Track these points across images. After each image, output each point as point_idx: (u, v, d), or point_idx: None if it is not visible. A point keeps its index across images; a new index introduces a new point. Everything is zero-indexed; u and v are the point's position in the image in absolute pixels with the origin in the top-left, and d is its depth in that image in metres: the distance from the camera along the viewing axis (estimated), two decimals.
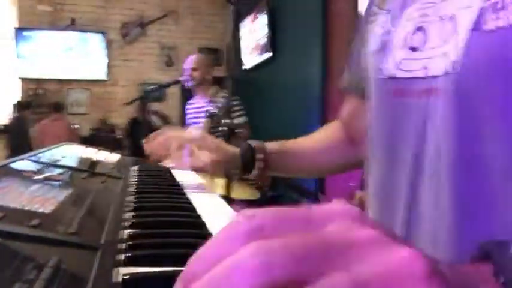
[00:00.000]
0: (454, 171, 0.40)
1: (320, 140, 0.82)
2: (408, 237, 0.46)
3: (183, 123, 6.20)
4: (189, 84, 2.87)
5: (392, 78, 0.49)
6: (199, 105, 2.85)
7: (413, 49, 0.46)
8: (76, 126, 5.62)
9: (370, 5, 0.60)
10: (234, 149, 0.80)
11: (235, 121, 2.62)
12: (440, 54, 0.42)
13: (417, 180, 0.45)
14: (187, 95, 6.21)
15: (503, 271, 0.20)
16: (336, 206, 0.19)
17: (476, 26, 0.38)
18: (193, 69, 2.81)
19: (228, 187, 1.45)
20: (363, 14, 0.63)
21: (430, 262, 0.16)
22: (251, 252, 0.15)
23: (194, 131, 0.89)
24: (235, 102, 2.73)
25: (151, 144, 0.84)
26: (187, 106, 3.00)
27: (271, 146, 0.79)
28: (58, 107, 5.27)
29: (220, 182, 1.52)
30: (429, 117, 0.43)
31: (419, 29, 0.46)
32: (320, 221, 0.18)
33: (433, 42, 0.44)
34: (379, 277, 0.15)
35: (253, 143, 0.78)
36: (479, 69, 0.38)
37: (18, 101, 5.59)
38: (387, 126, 0.51)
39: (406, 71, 0.47)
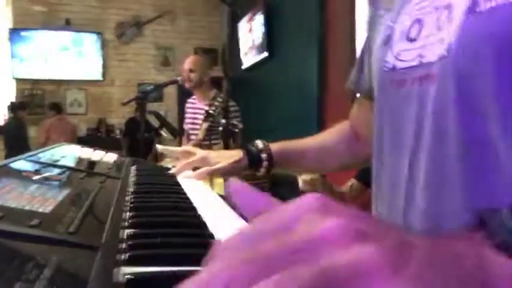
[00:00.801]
0: (453, 150, 0.41)
1: (325, 138, 0.85)
2: (408, 216, 0.47)
3: (180, 123, 6.21)
4: (187, 86, 2.85)
5: (393, 69, 0.51)
6: (199, 106, 2.83)
7: (410, 40, 0.48)
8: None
9: (376, 8, 0.62)
10: (237, 153, 0.84)
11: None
12: (436, 41, 0.43)
13: (416, 161, 0.46)
14: (184, 95, 6.23)
15: (494, 235, 0.20)
16: (304, 200, 0.19)
17: (470, 9, 0.39)
18: (190, 71, 2.78)
19: None
20: (369, 18, 0.65)
21: (394, 257, 0.16)
22: (215, 271, 0.16)
23: (191, 148, 0.93)
24: (232, 109, 2.62)
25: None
26: (187, 104, 2.97)
27: (276, 144, 0.83)
28: (59, 108, 5.34)
29: (219, 182, 1.53)
30: (426, 102, 0.44)
31: (417, 21, 0.48)
32: (291, 220, 0.19)
33: (428, 31, 0.45)
34: (338, 273, 0.15)
35: (258, 143, 0.82)
36: (473, 49, 0.38)
37: (11, 102, 5.57)
38: (390, 117, 0.53)
39: (403, 61, 0.49)
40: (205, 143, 2.48)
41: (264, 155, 0.80)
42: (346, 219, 0.18)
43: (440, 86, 0.42)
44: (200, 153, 0.91)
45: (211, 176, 0.85)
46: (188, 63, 2.83)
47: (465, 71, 0.39)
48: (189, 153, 0.93)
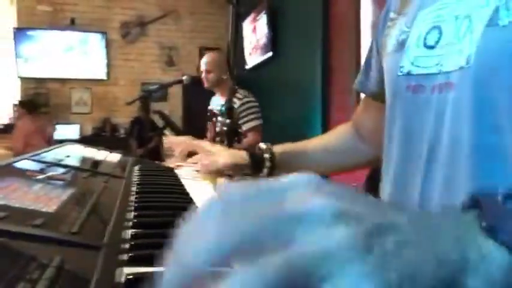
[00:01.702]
0: (470, 160, 0.41)
1: (328, 140, 0.85)
2: None
3: (185, 122, 6.21)
4: (205, 87, 2.78)
5: (409, 75, 0.51)
6: (220, 103, 2.78)
7: (429, 47, 0.48)
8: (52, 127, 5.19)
9: (387, 11, 0.62)
10: (241, 152, 0.85)
11: (245, 126, 2.56)
12: (456, 51, 0.44)
13: (431, 170, 0.47)
14: (189, 94, 6.24)
15: (486, 217, 0.21)
16: (298, 176, 0.20)
17: (491, 23, 0.40)
18: (207, 72, 2.69)
19: None
20: (380, 19, 0.65)
21: (367, 243, 0.17)
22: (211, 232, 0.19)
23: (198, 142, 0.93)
24: (247, 105, 2.60)
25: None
26: (211, 101, 2.88)
27: (279, 146, 0.84)
28: (33, 105, 4.75)
29: (222, 182, 1.53)
30: (444, 110, 0.45)
31: (434, 28, 0.48)
32: (282, 191, 0.19)
33: (447, 39, 0.46)
34: (314, 255, 0.17)
35: (261, 144, 0.83)
36: (493, 62, 0.39)
37: (27, 100, 5.47)
38: (403, 121, 0.53)
39: (421, 67, 0.49)
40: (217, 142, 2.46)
41: (266, 155, 0.81)
42: (332, 199, 0.19)
43: (458, 94, 0.43)
44: (205, 146, 0.90)
45: (213, 173, 0.85)
46: (204, 63, 2.72)
47: (483, 81, 0.40)
48: (192, 151, 0.92)
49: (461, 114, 0.42)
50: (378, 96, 0.66)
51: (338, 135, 0.85)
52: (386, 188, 0.58)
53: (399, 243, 0.18)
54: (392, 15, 0.60)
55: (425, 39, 0.49)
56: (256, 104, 2.67)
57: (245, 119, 2.58)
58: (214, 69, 2.70)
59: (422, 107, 0.48)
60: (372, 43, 0.69)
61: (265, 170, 0.81)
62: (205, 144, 0.90)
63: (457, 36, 0.44)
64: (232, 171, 0.85)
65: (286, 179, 0.20)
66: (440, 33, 0.47)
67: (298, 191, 0.19)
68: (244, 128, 2.58)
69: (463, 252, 0.19)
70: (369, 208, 0.19)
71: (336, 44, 3.40)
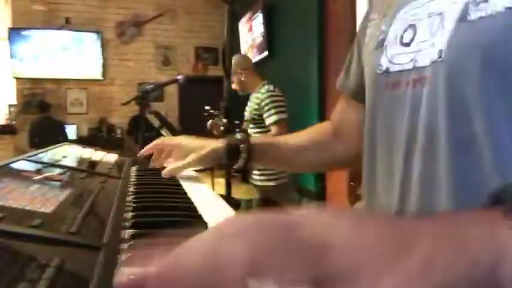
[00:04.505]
0: (446, 150, 0.43)
1: (305, 137, 0.86)
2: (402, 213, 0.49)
3: (181, 122, 6.20)
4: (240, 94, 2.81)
5: (387, 72, 0.53)
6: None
7: (405, 45, 0.50)
8: None
9: (368, 13, 0.65)
10: (216, 143, 0.85)
11: (268, 120, 2.57)
12: (428, 46, 0.46)
13: (410, 164, 0.48)
14: (185, 94, 6.23)
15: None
16: (310, 210, 0.20)
17: (461, 18, 0.42)
18: (233, 82, 2.72)
19: (229, 187, 1.48)
20: (361, 22, 0.67)
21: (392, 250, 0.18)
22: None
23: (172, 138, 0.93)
24: (270, 99, 2.60)
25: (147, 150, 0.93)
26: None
27: (256, 138, 0.85)
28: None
29: (221, 182, 1.53)
30: (419, 103, 0.46)
31: (410, 26, 0.50)
32: (297, 225, 0.19)
33: (421, 36, 0.48)
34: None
35: (238, 135, 0.84)
36: (464, 56, 0.41)
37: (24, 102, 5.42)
38: (383, 118, 0.54)
39: (397, 64, 0.51)
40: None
41: (242, 146, 0.81)
42: (349, 227, 0.19)
43: (431, 88, 0.44)
44: (174, 141, 0.90)
45: (212, 176, 0.85)
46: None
47: (455, 74, 0.42)
48: (161, 149, 0.93)
49: (435, 107, 0.44)
50: (358, 96, 0.67)
51: (316, 133, 0.85)
52: (368, 183, 0.59)
53: (427, 262, 0.18)
54: (373, 16, 0.62)
55: (401, 37, 0.51)
56: (281, 98, 2.66)
57: (267, 113, 2.59)
58: (235, 75, 2.75)
59: (399, 103, 0.50)
60: (353, 44, 0.70)
61: (241, 161, 0.82)
62: (180, 139, 0.89)
63: (430, 32, 0.46)
64: (208, 163, 0.86)
65: (300, 213, 0.20)
66: (415, 30, 0.49)
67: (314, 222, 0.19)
68: (267, 122, 2.59)
69: (498, 247, 0.19)
70: (387, 231, 0.19)
71: (332, 43, 3.41)
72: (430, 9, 0.47)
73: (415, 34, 0.49)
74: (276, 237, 0.18)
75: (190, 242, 0.20)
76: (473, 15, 0.41)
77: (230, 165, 0.84)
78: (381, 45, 0.55)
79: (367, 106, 0.59)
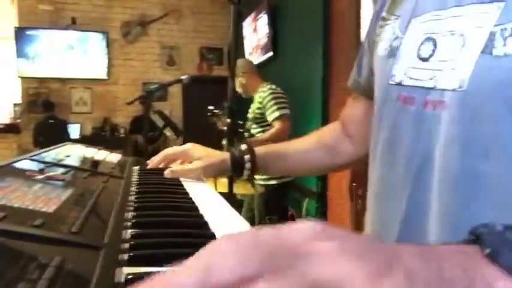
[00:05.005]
0: (457, 186, 0.41)
1: (312, 142, 0.85)
2: (405, 228, 0.48)
3: (184, 122, 6.21)
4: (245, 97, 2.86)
5: (400, 85, 0.50)
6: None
7: (422, 59, 0.48)
8: None
9: (380, 10, 0.61)
10: (221, 154, 0.86)
11: (270, 117, 2.59)
12: (449, 68, 0.44)
13: (420, 184, 0.46)
14: (189, 94, 6.24)
15: (489, 244, 0.21)
16: (303, 224, 0.20)
17: (486, 50, 0.40)
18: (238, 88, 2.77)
19: (231, 184, 1.50)
20: (371, 16, 0.65)
21: (377, 271, 0.17)
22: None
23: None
24: (271, 96, 2.63)
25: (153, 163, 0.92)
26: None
27: (260, 148, 0.85)
28: None
29: (223, 182, 1.54)
30: (438, 129, 0.44)
31: (428, 39, 0.47)
32: (287, 236, 0.19)
33: (442, 54, 0.45)
34: None
35: (242, 146, 0.83)
36: (486, 91, 0.40)
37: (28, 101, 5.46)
38: (390, 130, 0.53)
39: (413, 79, 0.48)
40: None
41: (246, 157, 0.81)
42: (337, 240, 0.19)
43: (451, 116, 0.43)
44: (182, 147, 0.90)
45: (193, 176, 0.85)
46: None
47: (475, 108, 0.40)
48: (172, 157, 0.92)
49: (453, 136, 0.42)
50: (369, 93, 0.66)
51: (324, 136, 0.85)
52: (370, 191, 0.59)
53: (408, 278, 0.18)
54: (384, 14, 0.59)
55: (419, 49, 0.48)
56: (282, 94, 2.70)
57: (270, 109, 2.62)
58: (237, 84, 2.79)
59: (412, 119, 0.48)
60: (364, 41, 0.68)
61: (245, 172, 0.82)
62: (188, 145, 0.89)
63: (451, 54, 0.44)
64: (213, 173, 0.86)
65: (293, 226, 0.20)
66: (435, 46, 0.46)
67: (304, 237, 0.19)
68: (270, 118, 2.61)
69: (470, 281, 0.19)
70: (372, 247, 0.19)
71: (336, 43, 3.40)
72: (452, 26, 0.45)
73: (434, 50, 0.46)
74: (267, 251, 0.18)
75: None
76: (500, 50, 0.39)
77: (235, 177, 0.84)
78: (394, 53, 0.53)
79: (374, 113, 0.58)
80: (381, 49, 0.56)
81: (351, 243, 0.19)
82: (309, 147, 0.84)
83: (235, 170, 0.83)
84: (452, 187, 0.42)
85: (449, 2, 0.46)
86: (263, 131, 2.69)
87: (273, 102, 2.62)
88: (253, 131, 2.76)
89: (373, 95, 0.60)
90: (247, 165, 0.81)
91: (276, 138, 2.52)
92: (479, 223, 0.32)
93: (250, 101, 2.90)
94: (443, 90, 0.44)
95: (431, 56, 0.47)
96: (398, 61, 0.51)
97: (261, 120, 2.70)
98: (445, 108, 0.44)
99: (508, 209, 0.38)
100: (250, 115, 2.81)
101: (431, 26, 0.48)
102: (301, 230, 0.19)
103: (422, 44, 0.48)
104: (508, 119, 0.38)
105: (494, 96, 0.39)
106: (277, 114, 2.59)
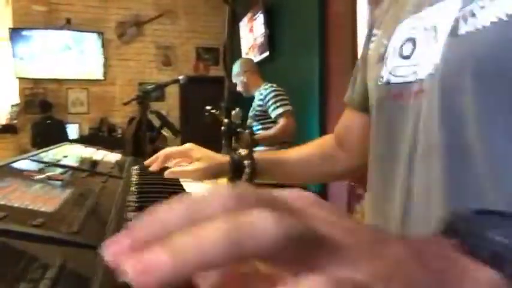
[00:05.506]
0: (442, 159, 0.44)
1: (310, 150, 0.87)
2: (405, 222, 0.50)
3: (182, 122, 6.21)
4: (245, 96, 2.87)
5: (388, 83, 0.54)
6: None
7: (404, 57, 0.52)
8: None
9: (370, 29, 0.66)
10: (221, 157, 0.87)
11: (273, 113, 2.59)
12: (426, 59, 0.48)
13: (411, 170, 0.49)
14: (186, 94, 6.24)
15: (458, 235, 0.22)
16: (295, 192, 0.20)
17: (452, 33, 0.44)
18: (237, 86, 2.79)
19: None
20: (365, 38, 0.69)
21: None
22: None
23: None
24: (272, 93, 2.64)
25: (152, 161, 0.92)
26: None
27: (259, 154, 0.86)
28: None
29: (224, 180, 1.54)
30: (419, 114, 0.48)
31: (409, 40, 0.52)
32: (284, 201, 0.19)
33: (420, 49, 0.50)
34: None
35: (242, 151, 0.84)
36: (454, 67, 0.43)
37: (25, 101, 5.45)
38: (386, 127, 0.56)
39: (398, 76, 0.52)
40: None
41: (246, 162, 0.82)
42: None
43: (429, 100, 0.46)
44: (182, 148, 0.90)
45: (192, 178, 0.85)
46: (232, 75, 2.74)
47: (448, 87, 0.44)
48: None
49: (431, 118, 0.45)
50: (363, 107, 0.69)
51: (321, 146, 0.87)
52: (372, 191, 0.61)
53: (392, 256, 0.18)
54: (375, 31, 0.64)
55: (401, 50, 0.53)
56: (282, 92, 2.71)
57: (273, 106, 2.62)
58: (237, 79, 2.82)
59: (401, 114, 0.51)
60: (359, 60, 0.72)
61: (244, 177, 0.83)
62: (188, 146, 0.89)
63: (426, 46, 0.48)
64: (212, 175, 0.87)
65: (286, 193, 0.20)
66: (414, 44, 0.51)
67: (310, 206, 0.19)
68: (274, 114, 2.61)
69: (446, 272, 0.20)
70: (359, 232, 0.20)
71: (333, 43, 3.41)
72: (426, 23, 0.49)
73: (414, 47, 0.50)
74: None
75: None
76: (463, 29, 0.43)
77: (233, 180, 0.85)
78: (382, 58, 0.57)
79: (371, 117, 0.60)
80: (372, 59, 0.61)
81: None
82: (310, 154, 0.85)
83: (234, 174, 0.84)
84: (437, 166, 0.44)
85: (422, 4, 0.51)
86: (264, 129, 2.69)
87: (275, 99, 2.62)
88: (253, 128, 2.76)
89: (368, 106, 0.63)
90: (247, 170, 0.82)
91: (283, 134, 2.53)
92: (474, 196, 0.33)
93: (247, 100, 2.90)
94: (422, 79, 0.48)
95: (411, 53, 0.51)
96: (385, 64, 0.55)
97: (262, 118, 2.70)
98: (424, 94, 0.47)
99: (494, 178, 0.39)
100: (250, 113, 2.81)
101: (410, 28, 0.52)
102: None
103: (403, 44, 0.52)
104: (479, 91, 0.40)
105: (463, 72, 0.42)
106: (280, 110, 2.59)
